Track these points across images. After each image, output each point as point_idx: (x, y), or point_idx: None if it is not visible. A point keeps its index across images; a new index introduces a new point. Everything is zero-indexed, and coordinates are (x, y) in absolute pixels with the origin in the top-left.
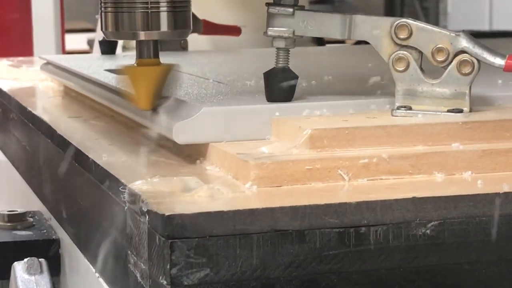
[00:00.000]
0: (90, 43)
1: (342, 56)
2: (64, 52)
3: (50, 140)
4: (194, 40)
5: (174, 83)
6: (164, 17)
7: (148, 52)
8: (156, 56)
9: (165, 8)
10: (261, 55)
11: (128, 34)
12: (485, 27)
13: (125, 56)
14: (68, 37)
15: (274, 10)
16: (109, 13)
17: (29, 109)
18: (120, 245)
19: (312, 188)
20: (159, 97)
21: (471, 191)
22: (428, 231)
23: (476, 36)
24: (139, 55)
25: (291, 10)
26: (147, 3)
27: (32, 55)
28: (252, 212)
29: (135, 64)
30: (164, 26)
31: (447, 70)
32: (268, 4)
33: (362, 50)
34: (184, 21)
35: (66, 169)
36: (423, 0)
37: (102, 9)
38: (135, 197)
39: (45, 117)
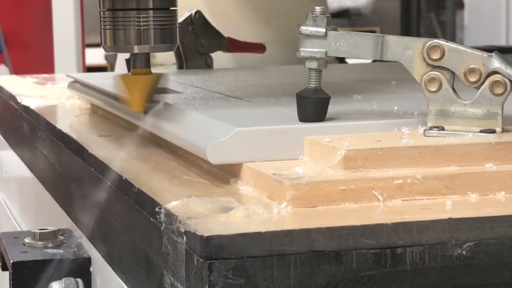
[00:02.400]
0: (108, 57)
1: (368, 73)
2: (85, 68)
3: (81, 159)
4: (216, 56)
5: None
6: (153, 33)
7: (141, 63)
8: (148, 66)
9: (154, 26)
10: (286, 72)
11: (124, 47)
12: (502, 42)
13: None
14: (86, 52)
15: (306, 31)
16: (108, 30)
17: (59, 127)
18: (155, 264)
19: (347, 208)
20: (150, 101)
21: (506, 212)
22: (464, 252)
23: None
24: (133, 66)
25: (323, 31)
26: (139, 21)
27: (53, 72)
28: (289, 233)
29: (130, 73)
30: (154, 41)
31: (479, 91)
32: (301, 25)
33: (385, 67)
34: (171, 36)
35: (99, 188)
36: (440, 14)
37: (102, 26)
38: (171, 218)
39: (76, 136)
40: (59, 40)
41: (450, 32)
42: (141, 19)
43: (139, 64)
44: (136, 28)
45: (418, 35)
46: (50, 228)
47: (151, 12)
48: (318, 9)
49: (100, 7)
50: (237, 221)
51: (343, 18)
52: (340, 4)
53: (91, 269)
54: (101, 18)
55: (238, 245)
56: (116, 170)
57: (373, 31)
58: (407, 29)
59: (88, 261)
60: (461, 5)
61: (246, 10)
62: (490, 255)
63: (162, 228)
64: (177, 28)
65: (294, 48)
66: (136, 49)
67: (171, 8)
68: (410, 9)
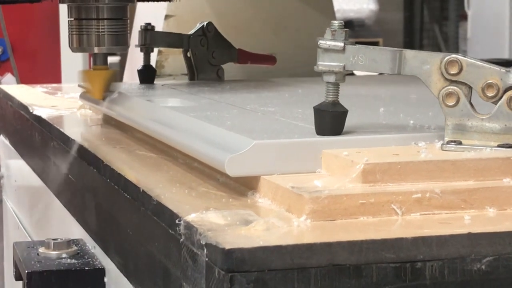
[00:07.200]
0: (112, 66)
1: (381, 86)
2: None
3: (96, 170)
4: (224, 66)
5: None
6: (109, 38)
7: (100, 61)
8: (105, 63)
9: (110, 32)
10: (297, 84)
11: (87, 48)
12: (505, 54)
13: (164, 85)
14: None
15: (325, 45)
16: (74, 35)
17: (73, 138)
18: (174, 276)
19: (366, 222)
20: (107, 91)
21: None
22: (483, 267)
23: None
24: (94, 63)
25: (342, 45)
26: (98, 28)
27: (60, 80)
28: (310, 246)
29: (91, 69)
30: (109, 43)
31: (497, 106)
32: (319, 39)
33: (395, 79)
34: (123, 40)
35: (115, 199)
36: (443, 25)
37: (70, 32)
38: (191, 230)
39: (91, 147)
40: (66, 49)
41: (453, 44)
42: (100, 27)
43: (98, 61)
44: (96, 33)
45: (421, 46)
46: (64, 238)
47: (106, 21)
48: (336, 23)
49: (68, 17)
50: (257, 234)
51: None
52: (343, 15)
53: (105, 279)
54: (69, 26)
55: (259, 258)
56: (133, 182)
57: (376, 42)
58: (410, 40)
59: (102, 271)
60: (464, 17)
61: (255, 22)
62: (509, 269)
63: (181, 240)
64: (128, 34)
65: (302, 60)
66: (96, 50)
67: (123, 18)
68: (413, 20)
